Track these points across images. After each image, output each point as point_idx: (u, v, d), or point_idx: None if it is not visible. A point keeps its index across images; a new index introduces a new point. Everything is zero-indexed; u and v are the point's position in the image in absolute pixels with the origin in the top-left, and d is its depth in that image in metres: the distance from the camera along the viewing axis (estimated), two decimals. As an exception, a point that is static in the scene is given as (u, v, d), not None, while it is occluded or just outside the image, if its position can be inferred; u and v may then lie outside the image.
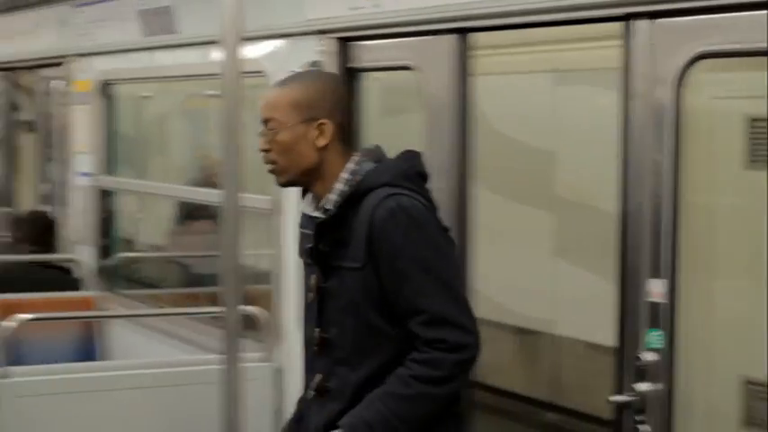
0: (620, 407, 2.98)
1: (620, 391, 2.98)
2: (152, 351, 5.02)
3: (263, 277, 4.51)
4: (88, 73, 5.81)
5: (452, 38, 3.51)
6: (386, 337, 2.80)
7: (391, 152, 2.93)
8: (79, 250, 5.91)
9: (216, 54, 4.48)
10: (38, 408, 3.89)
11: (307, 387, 2.98)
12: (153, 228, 6.25)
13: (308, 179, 2.90)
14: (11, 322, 3.96)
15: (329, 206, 2.85)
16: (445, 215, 3.05)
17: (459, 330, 2.72)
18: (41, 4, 6.08)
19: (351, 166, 2.87)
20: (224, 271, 2.68)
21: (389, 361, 2.79)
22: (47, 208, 6.67)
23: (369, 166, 2.87)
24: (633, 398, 2.92)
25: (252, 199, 3.76)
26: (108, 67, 5.68)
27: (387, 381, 2.75)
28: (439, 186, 3.18)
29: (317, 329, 2.89)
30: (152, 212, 6.24)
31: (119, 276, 5.91)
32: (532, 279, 4.78)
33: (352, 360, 2.84)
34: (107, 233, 5.91)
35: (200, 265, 5.75)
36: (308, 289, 2.94)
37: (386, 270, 2.74)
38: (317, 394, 2.91)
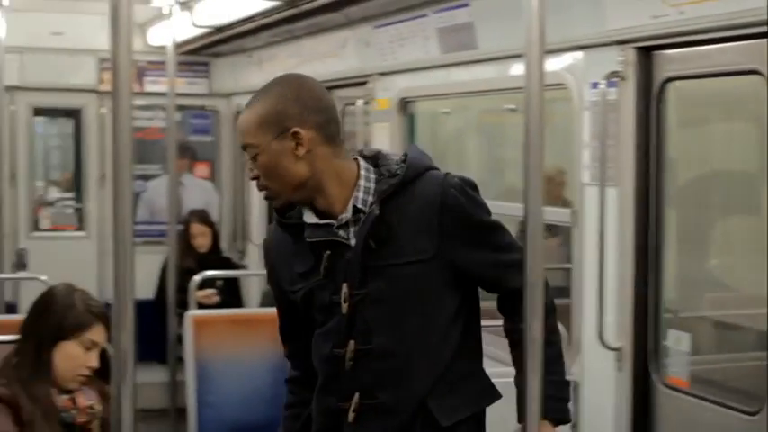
0: None
1: None
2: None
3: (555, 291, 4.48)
4: (388, 91, 5.96)
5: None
6: (457, 325, 2.74)
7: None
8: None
9: (516, 68, 4.56)
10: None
11: (330, 413, 2.78)
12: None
13: (307, 194, 2.72)
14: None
15: (359, 204, 2.69)
16: None
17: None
18: (344, 27, 6.28)
19: (363, 163, 2.74)
20: (527, 284, 2.67)
21: (455, 357, 2.73)
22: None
23: (383, 158, 2.77)
24: None
25: (551, 212, 3.74)
26: (406, 85, 5.81)
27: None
28: None
29: (351, 342, 2.71)
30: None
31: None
32: None
33: (414, 367, 2.70)
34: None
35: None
36: (329, 303, 2.72)
37: (471, 243, 2.70)
38: (357, 416, 2.72)
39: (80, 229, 8.94)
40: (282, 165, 2.66)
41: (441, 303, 2.73)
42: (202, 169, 9.10)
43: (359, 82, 6.36)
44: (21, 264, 8.20)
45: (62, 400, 3.45)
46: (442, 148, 6.35)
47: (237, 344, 5.13)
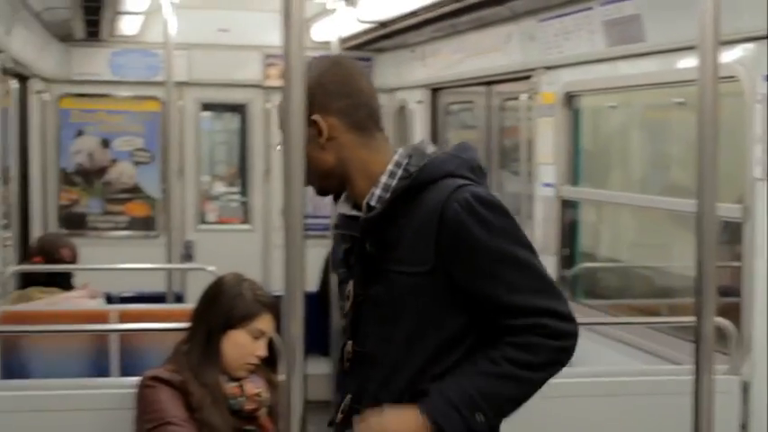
0: None
1: None
2: (607, 359, 5.05)
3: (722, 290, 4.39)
4: (552, 86, 5.91)
5: None
6: (456, 351, 2.48)
7: None
8: (543, 260, 6.00)
9: (684, 61, 4.46)
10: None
11: (334, 408, 2.67)
12: (611, 239, 6.24)
13: (336, 183, 2.60)
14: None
15: (373, 202, 2.54)
16: None
17: (559, 318, 2.44)
18: (508, 21, 6.25)
19: (397, 158, 2.57)
20: (700, 282, 2.62)
21: (434, 379, 2.47)
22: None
23: (419, 157, 2.54)
24: None
25: (722, 208, 3.65)
26: (570, 79, 5.75)
27: (473, 361, 2.44)
28: None
29: (350, 342, 2.61)
30: (609, 224, 6.24)
31: (580, 286, 5.97)
32: None
33: (391, 378, 2.53)
34: (568, 243, 5.97)
35: (663, 276, 5.65)
36: (342, 298, 2.63)
37: (466, 269, 2.41)
38: (343, 418, 2.62)
39: (245, 222, 9.13)
40: (308, 153, 2.36)
41: (438, 323, 2.51)
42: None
43: (521, 77, 6.32)
44: (188, 255, 8.42)
45: (230, 387, 3.53)
46: (605, 143, 6.26)
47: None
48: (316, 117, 2.53)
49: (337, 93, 2.57)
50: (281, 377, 3.70)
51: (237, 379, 3.55)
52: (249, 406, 3.54)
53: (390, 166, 2.57)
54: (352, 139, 2.56)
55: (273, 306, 3.56)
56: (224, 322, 3.54)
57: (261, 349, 3.55)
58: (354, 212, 2.59)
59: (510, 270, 2.45)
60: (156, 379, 3.49)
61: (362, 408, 2.55)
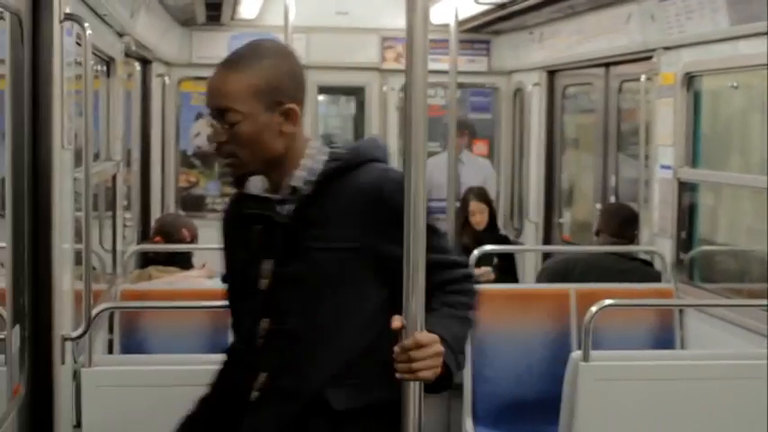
0: None
1: None
2: (728, 343, 5.00)
3: None
4: (672, 66, 5.80)
5: None
6: (373, 318, 2.60)
7: None
8: (660, 243, 5.93)
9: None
10: (614, 391, 3.97)
11: (235, 388, 2.72)
12: (729, 222, 6.12)
13: (270, 168, 2.67)
14: (594, 308, 4.05)
15: (299, 183, 2.64)
16: None
17: (468, 268, 2.79)
18: (628, 1, 6.16)
19: (317, 144, 2.70)
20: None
21: (367, 349, 2.61)
22: (613, 200, 6.80)
23: (338, 147, 2.71)
24: None
25: None
26: (691, 59, 5.64)
27: (437, 311, 2.58)
28: None
29: (266, 320, 2.65)
30: (728, 207, 6.11)
31: (698, 269, 5.86)
32: None
33: (318, 354, 2.62)
34: (686, 226, 5.87)
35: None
36: (253, 278, 2.66)
37: (399, 240, 2.38)
38: (260, 396, 2.66)
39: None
40: (263, 138, 2.59)
41: (363, 294, 2.64)
42: (481, 147, 9.16)
43: (640, 57, 6.22)
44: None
45: None
46: (725, 125, 6.13)
47: (514, 319, 5.15)
48: (292, 106, 2.62)
49: (301, 83, 2.70)
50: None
51: None
52: None
53: (310, 150, 2.68)
54: (299, 129, 2.67)
55: None
56: None
57: None
58: (267, 195, 2.70)
59: (437, 237, 2.64)
60: None
61: (285, 384, 2.63)
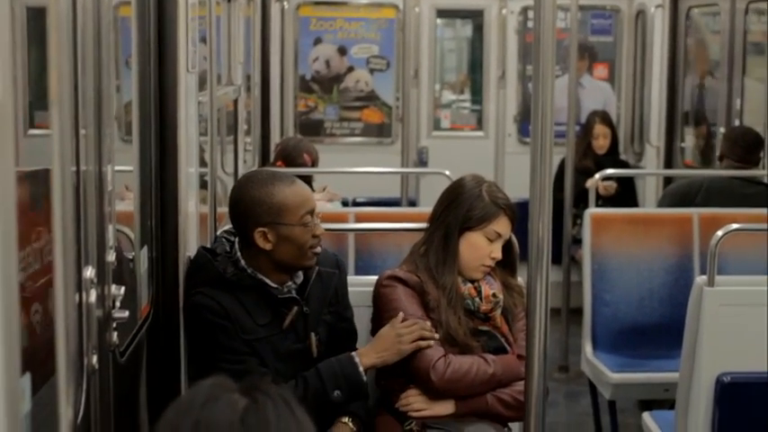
0: None
1: None
2: None
3: None
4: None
5: None
6: None
7: None
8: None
9: None
10: (738, 317, 3.90)
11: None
12: None
13: None
14: (720, 232, 3.99)
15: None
16: None
17: None
18: None
19: None
20: None
21: None
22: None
23: None
24: None
25: None
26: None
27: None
28: None
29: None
30: None
31: None
32: None
33: None
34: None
35: None
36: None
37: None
38: None
39: (478, 128, 9.12)
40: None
41: None
42: (601, 70, 9.00)
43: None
44: (422, 162, 8.51)
45: (467, 288, 3.56)
46: None
47: (635, 243, 5.10)
48: None
49: None
50: (519, 280, 3.72)
51: (474, 281, 3.58)
52: (485, 306, 3.56)
53: None
54: None
55: (510, 209, 3.56)
56: (462, 223, 3.56)
57: (496, 251, 3.56)
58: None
59: None
60: (393, 278, 3.56)
61: None
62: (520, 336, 3.53)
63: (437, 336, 3.46)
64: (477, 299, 3.55)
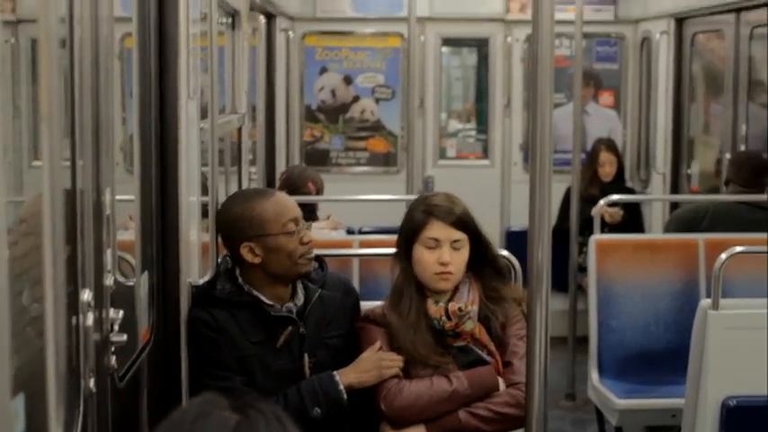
0: None
1: None
2: None
3: None
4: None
5: None
6: None
7: None
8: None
9: None
10: (744, 340, 3.89)
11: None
12: None
13: None
14: (723, 255, 3.98)
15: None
16: None
17: None
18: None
19: None
20: None
21: None
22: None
23: None
24: None
25: None
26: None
27: None
28: None
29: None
30: None
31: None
32: None
33: None
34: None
35: None
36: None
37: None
38: None
39: (484, 157, 9.12)
40: None
41: None
42: (606, 97, 9.01)
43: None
44: (427, 190, 8.49)
45: (435, 309, 3.53)
46: None
47: (640, 269, 5.08)
48: None
49: None
50: (517, 286, 3.72)
51: (441, 292, 3.54)
52: (449, 324, 3.52)
53: None
54: None
55: (443, 211, 3.54)
56: (405, 243, 3.58)
57: (444, 255, 3.51)
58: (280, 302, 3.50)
59: None
60: (363, 320, 3.63)
61: None
62: (512, 341, 3.52)
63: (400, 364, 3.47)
64: (444, 317, 3.52)
